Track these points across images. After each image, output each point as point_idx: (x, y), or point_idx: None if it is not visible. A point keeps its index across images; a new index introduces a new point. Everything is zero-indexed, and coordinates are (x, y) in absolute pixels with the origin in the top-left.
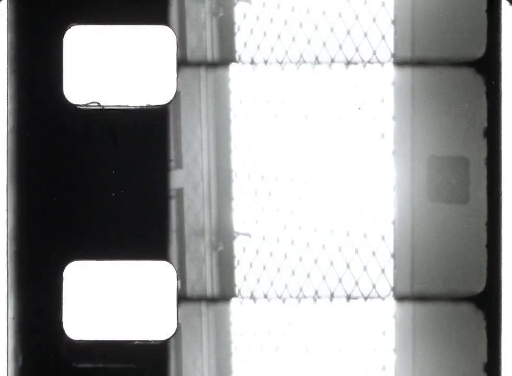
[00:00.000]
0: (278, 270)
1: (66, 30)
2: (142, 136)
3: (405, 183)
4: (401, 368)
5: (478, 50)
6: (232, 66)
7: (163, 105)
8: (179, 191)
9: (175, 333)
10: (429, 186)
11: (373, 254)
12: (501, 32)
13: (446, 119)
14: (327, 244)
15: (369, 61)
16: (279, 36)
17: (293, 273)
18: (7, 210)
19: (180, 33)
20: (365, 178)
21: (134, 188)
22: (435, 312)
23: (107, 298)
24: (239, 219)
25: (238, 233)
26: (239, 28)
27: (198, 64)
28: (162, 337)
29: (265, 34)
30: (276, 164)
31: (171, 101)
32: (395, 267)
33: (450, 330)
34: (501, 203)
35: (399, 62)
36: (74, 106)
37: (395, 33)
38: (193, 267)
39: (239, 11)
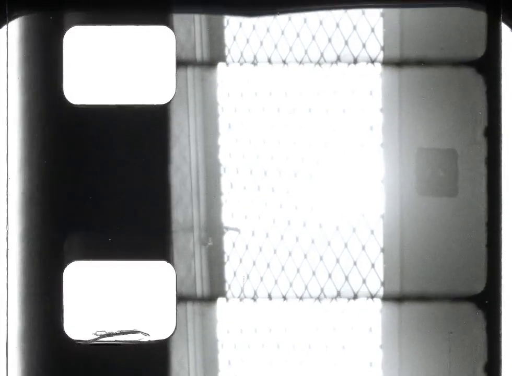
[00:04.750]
0: (268, 265)
1: (66, 30)
2: (142, 136)
3: (394, 175)
4: (388, 365)
5: (479, 50)
6: (220, 60)
7: (163, 104)
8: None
9: (173, 332)
10: (418, 179)
11: (363, 248)
12: (501, 31)
13: (436, 112)
14: (316, 238)
15: (357, 59)
16: (267, 29)
17: (283, 268)
18: (7, 211)
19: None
20: (354, 171)
21: (133, 188)
22: (435, 311)
23: (107, 298)
24: (228, 214)
25: (227, 228)
26: (227, 22)
27: (186, 62)
28: (162, 337)
29: (253, 28)
30: (265, 158)
31: (170, 100)
32: (384, 262)
33: (449, 330)
34: (501, 203)
35: (388, 62)
36: (74, 106)
37: (384, 30)
38: (182, 263)
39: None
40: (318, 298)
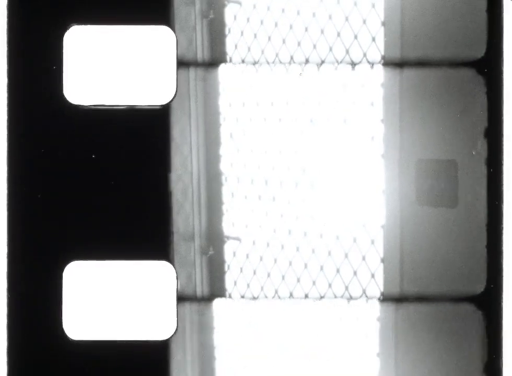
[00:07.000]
0: (268, 274)
1: (66, 30)
2: (142, 136)
3: (394, 186)
4: (384, 373)
5: (479, 51)
6: (222, 67)
7: (163, 105)
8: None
9: (174, 333)
10: (418, 190)
11: (363, 258)
12: (502, 31)
13: (436, 122)
14: (317, 248)
15: (358, 63)
16: (269, 38)
17: (283, 277)
18: (7, 210)
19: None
20: (355, 181)
21: (133, 188)
22: (434, 312)
23: (107, 298)
24: (229, 223)
25: (228, 237)
26: (229, 30)
27: (188, 65)
28: (162, 337)
29: (255, 36)
30: (266, 167)
31: (170, 101)
32: (384, 271)
33: (449, 331)
34: (501, 203)
35: (390, 63)
36: (74, 106)
37: (385, 34)
38: (183, 271)
39: (229, 12)
40: (318, 304)
